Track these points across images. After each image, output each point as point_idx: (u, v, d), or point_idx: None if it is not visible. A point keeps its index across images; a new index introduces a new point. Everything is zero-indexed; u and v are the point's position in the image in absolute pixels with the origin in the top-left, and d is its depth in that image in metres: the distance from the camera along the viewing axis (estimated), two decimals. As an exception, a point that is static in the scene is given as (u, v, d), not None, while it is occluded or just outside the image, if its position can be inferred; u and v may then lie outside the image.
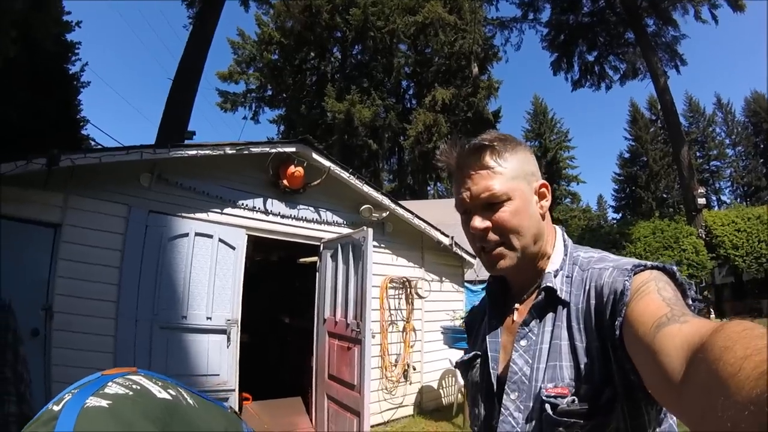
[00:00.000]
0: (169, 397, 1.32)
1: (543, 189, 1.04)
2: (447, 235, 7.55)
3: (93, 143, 11.65)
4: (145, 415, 1.21)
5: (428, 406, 7.35)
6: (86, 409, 1.15)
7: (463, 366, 1.16)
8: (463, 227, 1.07)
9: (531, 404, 0.90)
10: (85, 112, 12.02)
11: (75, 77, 11.01)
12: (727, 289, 20.89)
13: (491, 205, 0.98)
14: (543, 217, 1.03)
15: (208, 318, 5.14)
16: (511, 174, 0.99)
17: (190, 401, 1.39)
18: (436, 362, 7.59)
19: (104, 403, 1.17)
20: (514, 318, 1.04)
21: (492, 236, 0.98)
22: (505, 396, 0.95)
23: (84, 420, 1.13)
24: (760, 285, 20.23)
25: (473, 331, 1.25)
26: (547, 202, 1.05)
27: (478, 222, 0.98)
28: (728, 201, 41.85)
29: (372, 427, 5.87)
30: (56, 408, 1.18)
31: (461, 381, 6.89)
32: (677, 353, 0.59)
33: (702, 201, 17.49)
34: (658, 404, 0.84)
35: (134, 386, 1.28)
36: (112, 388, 1.24)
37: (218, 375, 5.09)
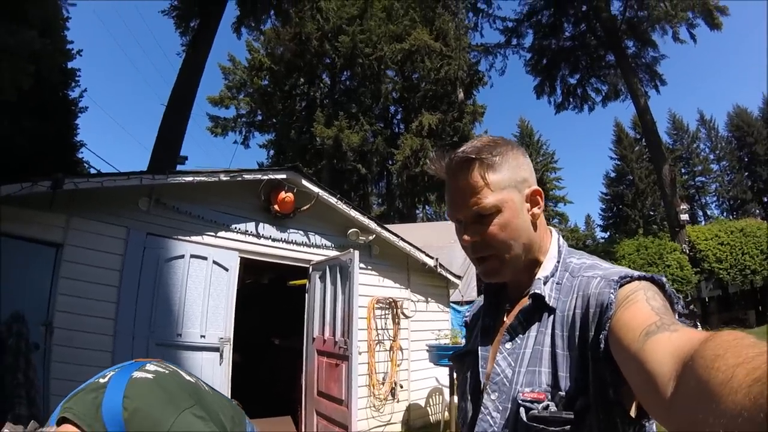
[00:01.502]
0: (193, 380, 1.61)
1: (536, 196, 1.03)
2: (432, 257, 7.78)
3: (87, 166, 11.85)
4: (181, 388, 1.50)
5: (416, 423, 7.45)
6: (134, 379, 1.43)
7: (457, 360, 1.19)
8: (457, 234, 1.07)
9: (509, 406, 0.91)
10: (80, 135, 12.24)
11: (74, 102, 11.26)
12: (714, 302, 20.98)
13: (481, 217, 0.98)
14: (535, 225, 1.03)
15: (201, 336, 5.31)
16: (500, 185, 0.98)
17: (207, 389, 1.68)
18: (423, 380, 7.72)
19: (149, 375, 1.45)
20: (505, 319, 1.05)
21: (482, 248, 1.00)
22: (485, 395, 0.97)
23: (133, 386, 1.41)
24: (745, 297, 20.36)
25: (471, 328, 1.26)
26: (539, 209, 1.04)
27: (468, 235, 1.00)
28: (715, 215, 42.21)
29: (361, 444, 6.04)
30: (102, 380, 1.45)
31: (448, 399, 7.06)
32: (667, 361, 0.60)
33: (685, 217, 17.62)
34: (636, 425, 0.85)
35: (169, 368, 1.57)
36: (152, 367, 1.52)
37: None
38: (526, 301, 0.99)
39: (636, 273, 0.85)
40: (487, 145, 1.01)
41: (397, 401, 7.19)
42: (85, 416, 1.39)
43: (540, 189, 1.05)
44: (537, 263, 1.04)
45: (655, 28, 20.13)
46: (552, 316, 0.94)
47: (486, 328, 1.09)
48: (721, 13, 18.98)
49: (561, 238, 1.10)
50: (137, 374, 1.48)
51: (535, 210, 1.03)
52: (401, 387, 7.27)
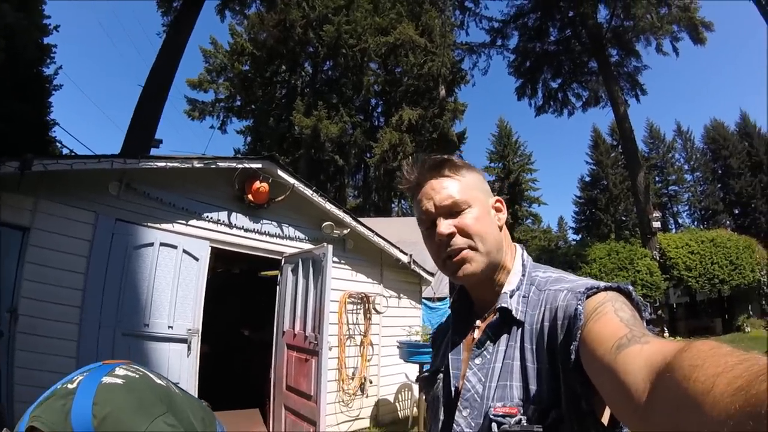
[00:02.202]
0: (163, 384, 1.58)
1: (498, 204, 1.09)
2: (406, 253, 7.79)
3: (60, 145, 11.56)
4: (153, 393, 1.46)
5: (384, 419, 7.48)
6: (104, 384, 1.40)
7: (425, 381, 1.18)
8: (426, 243, 1.09)
9: (481, 421, 0.91)
10: (54, 113, 11.89)
11: (48, 80, 10.93)
12: (682, 308, 21.49)
13: (454, 212, 1.01)
14: (500, 229, 1.07)
15: (169, 327, 5.22)
16: (469, 185, 1.04)
17: (177, 392, 1.64)
18: (393, 376, 7.75)
19: (119, 380, 1.42)
20: (474, 335, 1.05)
21: (458, 240, 1.00)
22: (457, 412, 0.96)
23: (103, 392, 1.38)
24: (713, 305, 20.94)
25: (437, 347, 1.25)
26: (504, 215, 1.09)
27: (444, 227, 1.00)
28: (687, 224, 43.46)
29: (328, 438, 6.03)
30: (71, 386, 1.41)
31: (417, 395, 7.09)
32: (640, 373, 0.60)
33: (657, 224, 18.10)
34: None
35: (139, 372, 1.53)
36: (122, 371, 1.49)
37: (178, 384, 5.17)
38: (493, 317, 1.00)
39: (602, 284, 0.86)
40: (455, 156, 1.10)
41: (366, 396, 7.22)
42: (54, 424, 1.36)
43: (501, 199, 1.11)
44: (504, 272, 1.06)
45: (640, 38, 20.62)
46: (520, 330, 0.95)
47: (455, 345, 1.08)
48: (706, 28, 19.48)
49: (525, 253, 1.11)
50: (107, 379, 1.44)
51: (500, 215, 1.09)
52: (370, 382, 7.29)
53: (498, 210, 1.09)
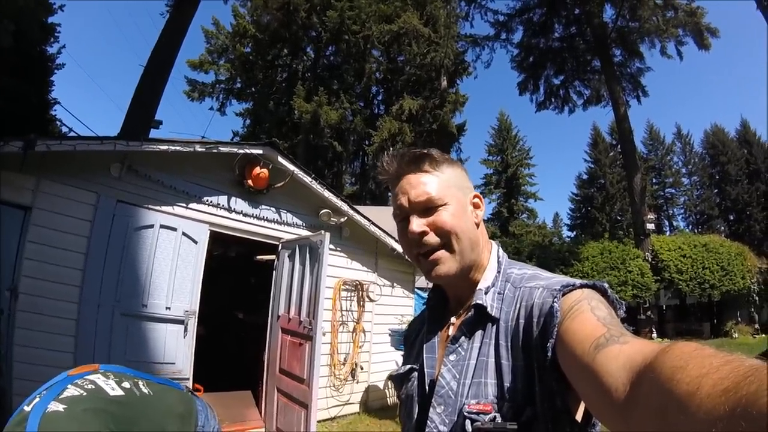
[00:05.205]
0: (121, 392, 1.63)
1: (476, 199, 1.07)
2: (401, 243, 7.86)
3: (59, 124, 11.57)
4: (95, 414, 1.53)
5: (374, 405, 7.61)
6: (46, 415, 1.46)
7: (399, 379, 1.15)
8: (399, 237, 1.06)
9: (455, 419, 0.90)
10: (55, 92, 11.93)
11: (51, 58, 10.93)
12: (671, 310, 21.61)
13: (428, 209, 0.99)
14: (477, 226, 1.05)
15: (167, 308, 5.28)
16: (447, 182, 1.02)
17: (145, 390, 1.69)
18: (383, 363, 7.87)
19: (61, 407, 1.49)
20: (449, 332, 1.03)
21: (430, 239, 0.98)
22: (431, 409, 0.95)
23: (45, 424, 1.43)
24: (702, 309, 21.14)
25: (410, 344, 1.24)
26: (481, 212, 1.07)
27: (416, 225, 0.98)
28: (681, 227, 43.73)
29: (319, 422, 6.10)
30: (27, 408, 1.48)
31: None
32: (620, 374, 0.59)
33: (651, 226, 18.18)
34: (583, 430, 0.85)
35: (89, 386, 1.58)
36: (70, 391, 1.54)
37: (174, 364, 5.25)
38: (468, 313, 0.99)
39: (578, 281, 0.85)
40: (435, 151, 1.06)
41: (357, 382, 7.33)
42: None
43: (480, 195, 1.09)
44: (479, 269, 1.05)
45: (644, 40, 20.60)
46: (495, 327, 0.94)
47: (430, 342, 1.07)
48: (711, 34, 19.45)
49: (500, 250, 1.10)
50: (51, 407, 1.49)
51: (478, 212, 1.06)
52: (361, 368, 7.40)
53: (476, 206, 1.07)
